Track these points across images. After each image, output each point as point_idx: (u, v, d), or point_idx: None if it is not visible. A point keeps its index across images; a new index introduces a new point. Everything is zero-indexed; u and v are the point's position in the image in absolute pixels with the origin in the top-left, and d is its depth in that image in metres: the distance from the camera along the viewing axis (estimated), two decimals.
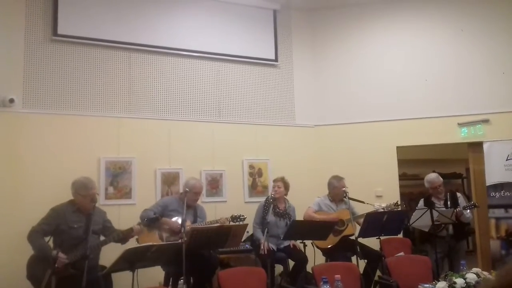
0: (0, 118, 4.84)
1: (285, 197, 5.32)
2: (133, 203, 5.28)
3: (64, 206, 4.04)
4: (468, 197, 6.66)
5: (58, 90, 5.19)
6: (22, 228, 3.97)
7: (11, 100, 4.88)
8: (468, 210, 5.13)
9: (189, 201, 4.61)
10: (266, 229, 4.73)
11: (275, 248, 5.02)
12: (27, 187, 4.85)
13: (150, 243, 3.69)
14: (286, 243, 5.12)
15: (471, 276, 3.38)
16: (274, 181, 5.34)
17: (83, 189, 4.02)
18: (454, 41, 6.29)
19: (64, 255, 3.77)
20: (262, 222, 5.11)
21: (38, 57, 5.14)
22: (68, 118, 5.18)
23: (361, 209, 5.16)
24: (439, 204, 5.25)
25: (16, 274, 4.05)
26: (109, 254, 3.99)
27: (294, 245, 5.10)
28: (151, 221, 4.30)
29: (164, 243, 4.29)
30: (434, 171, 5.92)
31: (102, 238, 4.16)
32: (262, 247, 4.76)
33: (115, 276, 4.06)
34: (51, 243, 4.00)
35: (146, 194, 5.36)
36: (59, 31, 5.22)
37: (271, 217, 5.10)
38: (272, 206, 5.15)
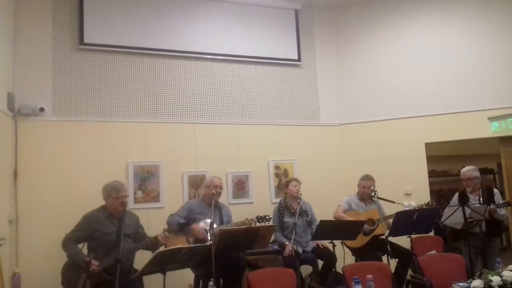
0: (31, 127, 4.98)
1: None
2: (161, 206, 5.35)
3: (95, 213, 4.10)
4: (501, 193, 6.47)
5: (86, 98, 5.31)
6: (55, 235, 4.07)
7: (41, 109, 5.03)
8: (502, 208, 4.96)
9: (212, 196, 4.59)
10: (294, 230, 4.69)
11: (299, 249, 4.97)
12: (58, 194, 4.96)
13: (180, 246, 3.72)
14: (311, 244, 5.08)
15: (507, 274, 3.27)
16: (290, 182, 5.27)
17: (114, 191, 4.10)
18: (481, 33, 6.14)
19: (96, 262, 3.82)
20: (280, 226, 5.11)
21: (66, 66, 5.27)
22: (96, 124, 5.29)
23: (391, 209, 5.04)
24: (474, 199, 5.10)
25: (51, 281, 4.16)
26: (141, 257, 4.06)
27: (318, 245, 5.07)
28: (183, 226, 4.39)
29: (194, 245, 4.31)
30: (464, 167, 5.76)
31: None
32: (289, 249, 4.73)
33: (145, 279, 4.11)
34: (85, 249, 4.08)
35: (173, 197, 5.43)
36: (85, 40, 5.34)
37: (289, 219, 5.08)
38: (287, 208, 5.15)
